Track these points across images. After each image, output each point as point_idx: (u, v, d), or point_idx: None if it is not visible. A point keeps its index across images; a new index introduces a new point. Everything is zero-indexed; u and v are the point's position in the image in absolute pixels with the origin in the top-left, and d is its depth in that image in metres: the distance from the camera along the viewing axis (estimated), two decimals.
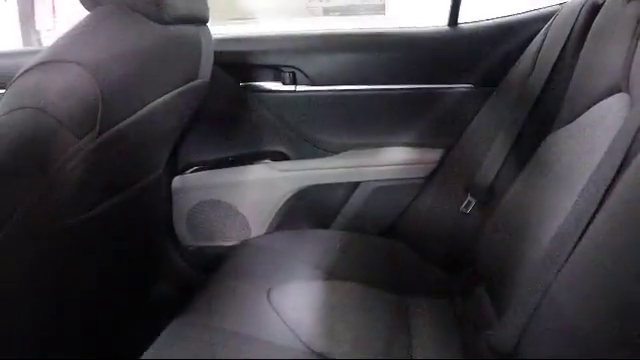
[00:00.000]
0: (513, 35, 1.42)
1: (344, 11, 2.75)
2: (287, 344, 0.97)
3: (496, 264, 1.02)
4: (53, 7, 2.19)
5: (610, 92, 0.92)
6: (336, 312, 1.08)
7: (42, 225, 0.87)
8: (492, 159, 1.33)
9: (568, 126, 1.05)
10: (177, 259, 1.64)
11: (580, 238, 0.72)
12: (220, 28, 1.48)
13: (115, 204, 1.07)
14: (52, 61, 0.84)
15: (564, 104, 1.13)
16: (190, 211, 1.62)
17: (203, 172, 1.62)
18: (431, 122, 1.52)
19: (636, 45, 0.90)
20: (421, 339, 1.05)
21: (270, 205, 1.60)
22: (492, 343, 0.82)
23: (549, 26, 1.31)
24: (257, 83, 1.57)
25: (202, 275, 1.58)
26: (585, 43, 1.13)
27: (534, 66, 1.29)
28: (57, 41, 0.89)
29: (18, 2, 2.15)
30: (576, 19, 1.21)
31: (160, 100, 1.04)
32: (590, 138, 0.90)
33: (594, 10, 1.16)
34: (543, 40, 1.30)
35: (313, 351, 0.96)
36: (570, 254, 0.73)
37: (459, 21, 1.52)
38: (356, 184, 1.57)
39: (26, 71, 0.82)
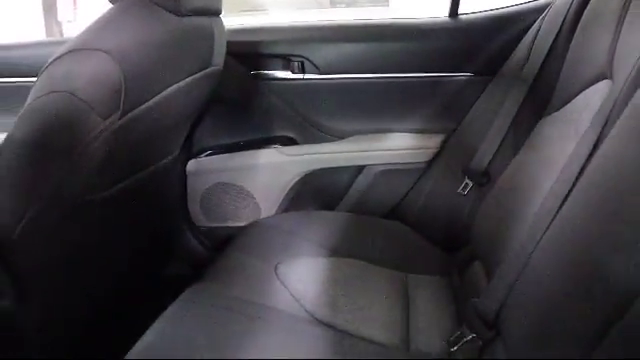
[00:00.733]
0: (510, 26, 1.45)
1: (350, 3, 2.78)
2: (292, 312, 1.02)
3: (489, 241, 1.06)
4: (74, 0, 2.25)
5: (596, 79, 0.96)
6: (339, 285, 1.13)
7: (69, 199, 0.93)
8: (488, 143, 1.38)
9: (558, 112, 1.09)
10: (191, 239, 1.69)
11: (557, 213, 0.78)
12: (232, 19, 1.52)
13: (134, 183, 1.13)
14: (81, 49, 0.90)
15: (556, 91, 1.17)
16: (204, 193, 1.67)
17: (216, 156, 1.66)
18: (432, 109, 1.55)
19: (620, 33, 0.95)
20: (418, 310, 1.10)
21: (279, 187, 1.64)
22: (479, 310, 0.87)
23: (543, 17, 1.34)
24: (267, 72, 1.61)
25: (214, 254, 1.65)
26: (575, 33, 1.17)
27: (529, 55, 1.33)
28: (85, 31, 0.96)
29: None
30: (568, 10, 1.25)
31: (176, 86, 1.09)
32: (575, 123, 0.95)
33: (585, 1, 1.19)
34: (538, 30, 1.33)
35: (316, 319, 1.02)
36: (548, 228, 0.79)
37: (459, 12, 1.54)
38: (360, 168, 1.61)
39: (57, 58, 0.89)
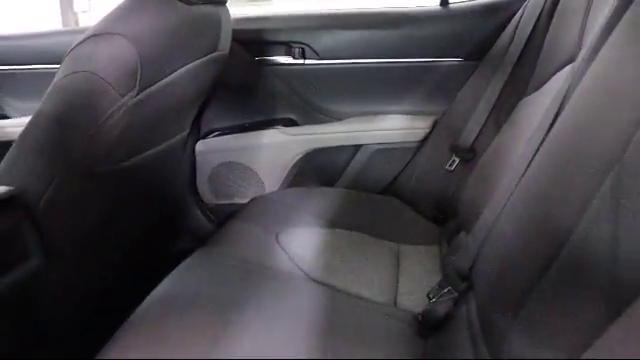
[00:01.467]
0: (496, 14, 1.51)
1: None
2: (290, 271, 1.11)
3: (472, 211, 1.13)
4: None
5: (566, 63, 1.03)
6: (334, 252, 1.21)
7: (90, 168, 1.01)
8: (474, 123, 1.45)
9: (534, 94, 1.17)
10: (199, 215, 1.76)
11: (520, 180, 0.86)
12: (239, 9, 1.59)
13: (147, 158, 1.20)
14: (102, 33, 0.99)
15: (534, 74, 1.24)
16: (211, 172, 1.74)
17: (223, 137, 1.73)
18: (424, 92, 1.62)
19: (587, 21, 1.03)
20: (407, 274, 1.17)
21: (282, 166, 1.70)
22: (455, 266, 0.96)
23: (525, 5, 1.41)
24: (270, 57, 1.67)
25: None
26: (552, 21, 1.24)
27: (511, 41, 1.40)
28: (105, 17, 1.04)
29: None
30: (545, 1, 1.32)
31: (186, 68, 1.17)
32: (545, 103, 1.03)
33: None
34: (520, 18, 1.40)
35: (311, 278, 1.10)
36: (512, 193, 0.87)
37: (449, 1, 1.60)
38: (357, 147, 1.66)
39: (81, 42, 0.98)
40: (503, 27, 1.48)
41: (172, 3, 1.15)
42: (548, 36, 1.25)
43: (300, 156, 1.69)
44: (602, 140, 0.61)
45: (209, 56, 1.29)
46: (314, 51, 1.63)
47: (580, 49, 1.00)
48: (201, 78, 1.29)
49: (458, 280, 0.94)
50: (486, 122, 1.43)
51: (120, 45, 0.98)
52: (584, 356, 0.50)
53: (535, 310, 0.63)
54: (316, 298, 1.02)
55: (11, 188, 0.92)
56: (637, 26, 0.69)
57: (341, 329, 0.94)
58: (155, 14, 1.09)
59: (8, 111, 1.97)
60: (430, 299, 0.98)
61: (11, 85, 1.92)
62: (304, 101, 1.69)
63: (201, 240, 1.73)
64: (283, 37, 1.65)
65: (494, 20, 1.51)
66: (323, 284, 1.09)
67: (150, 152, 1.22)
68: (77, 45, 0.98)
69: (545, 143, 0.83)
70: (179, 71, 1.14)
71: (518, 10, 1.45)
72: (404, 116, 1.64)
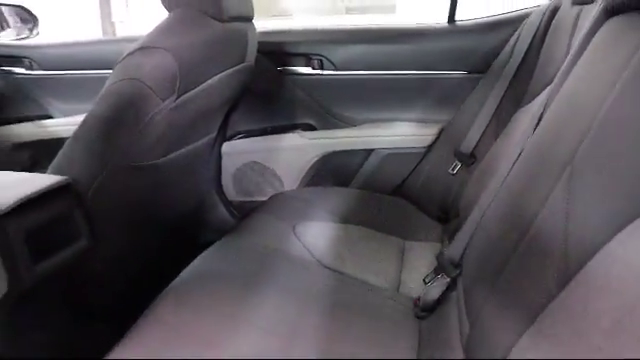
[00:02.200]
0: (499, 31, 1.60)
1: (362, 10, 2.89)
2: (304, 258, 1.23)
3: (471, 211, 1.23)
4: (127, 2, 2.47)
5: (553, 79, 1.15)
6: (345, 244, 1.31)
7: (132, 163, 1.14)
8: (475, 131, 1.55)
9: (527, 105, 1.27)
10: (223, 211, 1.86)
11: (504, 180, 0.97)
12: (263, 22, 1.70)
13: (180, 155, 1.33)
14: (147, 47, 1.12)
15: (529, 88, 1.34)
16: (235, 171, 1.86)
17: (247, 139, 1.85)
18: (431, 102, 1.71)
19: (572, 39, 1.13)
20: (410, 266, 1.28)
21: (300, 167, 1.81)
22: (448, 255, 1.07)
23: (523, 25, 1.51)
24: (291, 68, 1.78)
25: None
26: (545, 40, 1.35)
27: (510, 57, 1.50)
28: (151, 32, 1.18)
29: None
30: (540, 21, 1.42)
31: (217, 77, 1.30)
32: (537, 114, 1.14)
33: (554, 12, 1.37)
34: (519, 36, 1.50)
35: (323, 264, 1.22)
36: (499, 190, 0.98)
37: (456, 19, 1.70)
38: (369, 151, 1.76)
39: (130, 53, 1.12)
40: (504, 43, 1.57)
41: (206, 21, 1.28)
42: (542, 52, 1.35)
43: (317, 158, 1.80)
44: (561, 145, 0.72)
45: (237, 67, 1.41)
46: (331, 62, 1.74)
47: None
48: (230, 86, 1.41)
49: (450, 267, 1.05)
50: (485, 131, 1.53)
51: (163, 57, 1.11)
52: (540, 317, 0.61)
53: (506, 281, 0.74)
54: (327, 281, 1.14)
55: (66, 178, 1.03)
56: (603, 48, 0.80)
57: (348, 307, 1.05)
58: (192, 30, 1.23)
59: (52, 112, 2.12)
60: (426, 283, 1.09)
61: (55, 88, 2.07)
62: (321, 108, 1.80)
63: (224, 233, 1.85)
64: (303, 49, 1.76)
65: (496, 37, 1.60)
66: (334, 270, 1.20)
67: (183, 150, 1.35)
68: (127, 56, 1.12)
69: (524, 149, 0.94)
70: (211, 80, 1.27)
71: (517, 29, 1.55)
72: (412, 124, 1.74)
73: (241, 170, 1.87)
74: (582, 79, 0.81)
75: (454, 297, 1.02)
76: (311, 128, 1.83)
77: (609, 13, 0.81)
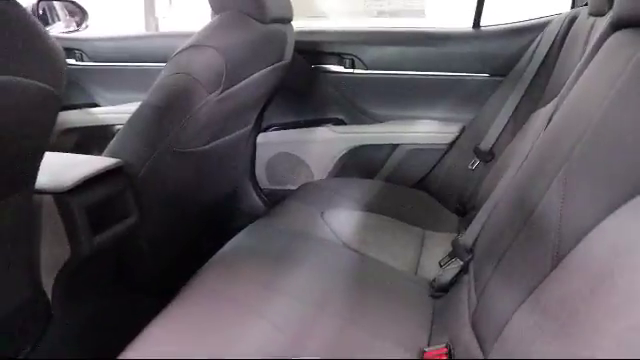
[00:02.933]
0: (520, 37, 1.67)
1: (393, 13, 2.95)
2: (330, 240, 1.32)
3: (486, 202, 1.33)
4: None
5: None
6: (369, 230, 1.40)
7: (178, 149, 1.24)
8: (494, 130, 1.63)
9: (542, 109, 1.35)
10: (256, 198, 1.96)
11: (517, 173, 1.06)
12: (301, 22, 1.76)
13: (220, 144, 1.43)
14: (197, 45, 1.24)
15: (545, 92, 1.42)
16: (268, 161, 1.95)
17: (280, 131, 1.94)
18: (455, 102, 1.78)
19: (585, 49, 1.20)
20: (428, 253, 1.35)
21: (329, 158, 1.89)
22: (463, 241, 1.16)
23: (544, 32, 1.58)
24: (324, 66, 1.87)
25: None
26: (562, 47, 1.43)
27: (530, 62, 1.58)
28: (200, 32, 1.29)
29: None
30: (559, 29, 1.49)
31: (258, 73, 1.40)
32: (547, 117, 1.20)
33: (572, 21, 1.44)
34: (539, 42, 1.58)
35: (348, 246, 1.30)
36: (510, 183, 1.07)
37: (481, 24, 1.77)
38: (395, 146, 1.84)
39: (181, 50, 1.23)
40: (525, 49, 1.64)
41: (250, 22, 1.39)
42: (559, 59, 1.43)
43: (345, 151, 1.88)
44: (562, 146, 0.81)
45: (276, 64, 1.51)
46: (362, 62, 1.83)
47: None
48: (268, 82, 1.51)
49: (464, 252, 1.14)
50: (504, 130, 1.61)
51: (212, 55, 1.22)
52: (536, 291, 0.70)
53: (508, 260, 0.84)
54: (351, 261, 1.23)
55: (120, 161, 1.14)
56: (605, 60, 0.87)
57: (369, 284, 1.15)
58: (237, 31, 1.33)
59: (98, 100, 2.25)
60: (441, 266, 1.18)
61: (102, 79, 2.20)
62: (351, 104, 1.88)
63: (256, 219, 1.94)
64: (336, 49, 1.85)
65: (518, 42, 1.67)
66: (357, 252, 1.29)
67: (222, 140, 1.45)
68: (179, 52, 1.23)
69: (532, 148, 1.02)
70: (253, 76, 1.37)
71: (539, 35, 1.62)
72: (436, 122, 1.82)
73: (274, 160, 1.95)
74: (586, 87, 0.90)
75: (466, 280, 1.11)
76: (341, 123, 1.91)
77: (615, 27, 0.89)
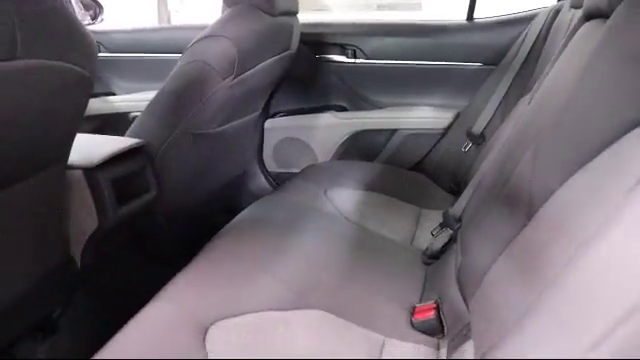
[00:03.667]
0: (510, 28, 1.76)
1: (392, 7, 3.04)
2: (333, 214, 1.42)
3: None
4: None
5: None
6: (368, 207, 1.48)
7: (194, 131, 1.34)
8: (485, 115, 1.73)
9: (528, 95, 1.41)
10: (263, 180, 2.04)
11: (500, 150, 1.16)
12: (305, 15, 1.84)
13: (231, 128, 1.52)
14: (212, 35, 1.34)
15: (532, 79, 1.51)
16: (275, 145, 2.04)
17: (287, 117, 2.02)
18: (449, 89, 1.88)
19: (568, 40, 1.30)
20: (423, 227, 1.43)
21: (332, 143, 1.98)
22: (452, 212, 1.26)
23: (531, 24, 1.68)
24: (328, 56, 1.96)
25: None
26: (548, 37, 1.52)
27: (518, 51, 1.68)
28: (214, 23, 1.39)
29: None
30: (545, 20, 1.59)
31: (266, 62, 1.49)
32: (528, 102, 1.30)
33: (556, 14, 1.53)
34: (527, 34, 1.68)
35: (349, 220, 1.40)
36: (495, 160, 1.17)
37: (474, 16, 1.85)
38: (394, 131, 1.92)
39: (197, 41, 1.33)
40: (515, 39, 1.74)
41: (260, 15, 1.49)
42: (544, 49, 1.52)
43: (347, 136, 1.96)
44: (534, 124, 0.92)
45: (283, 54, 1.60)
46: (363, 52, 1.92)
47: None
48: (275, 70, 1.61)
49: (453, 221, 1.24)
50: (494, 115, 1.71)
51: (225, 44, 1.32)
52: (511, 244, 0.80)
53: (488, 223, 0.94)
54: (351, 231, 1.33)
55: (141, 140, 1.22)
56: (574, 48, 0.97)
57: (367, 251, 1.25)
58: (248, 23, 1.43)
59: (114, 89, 2.34)
60: (433, 235, 1.28)
61: (119, 69, 2.29)
62: (353, 92, 1.97)
63: None
64: (339, 40, 1.93)
65: (508, 33, 1.77)
66: (357, 224, 1.38)
67: (234, 124, 1.54)
68: (195, 42, 1.33)
69: (513, 128, 1.12)
70: (262, 64, 1.47)
71: (527, 26, 1.71)
72: (432, 108, 1.91)
73: (280, 144, 2.04)
74: (558, 69, 1.00)
75: (454, 248, 1.20)
76: (343, 109, 2.00)
77: (585, 18, 0.99)
